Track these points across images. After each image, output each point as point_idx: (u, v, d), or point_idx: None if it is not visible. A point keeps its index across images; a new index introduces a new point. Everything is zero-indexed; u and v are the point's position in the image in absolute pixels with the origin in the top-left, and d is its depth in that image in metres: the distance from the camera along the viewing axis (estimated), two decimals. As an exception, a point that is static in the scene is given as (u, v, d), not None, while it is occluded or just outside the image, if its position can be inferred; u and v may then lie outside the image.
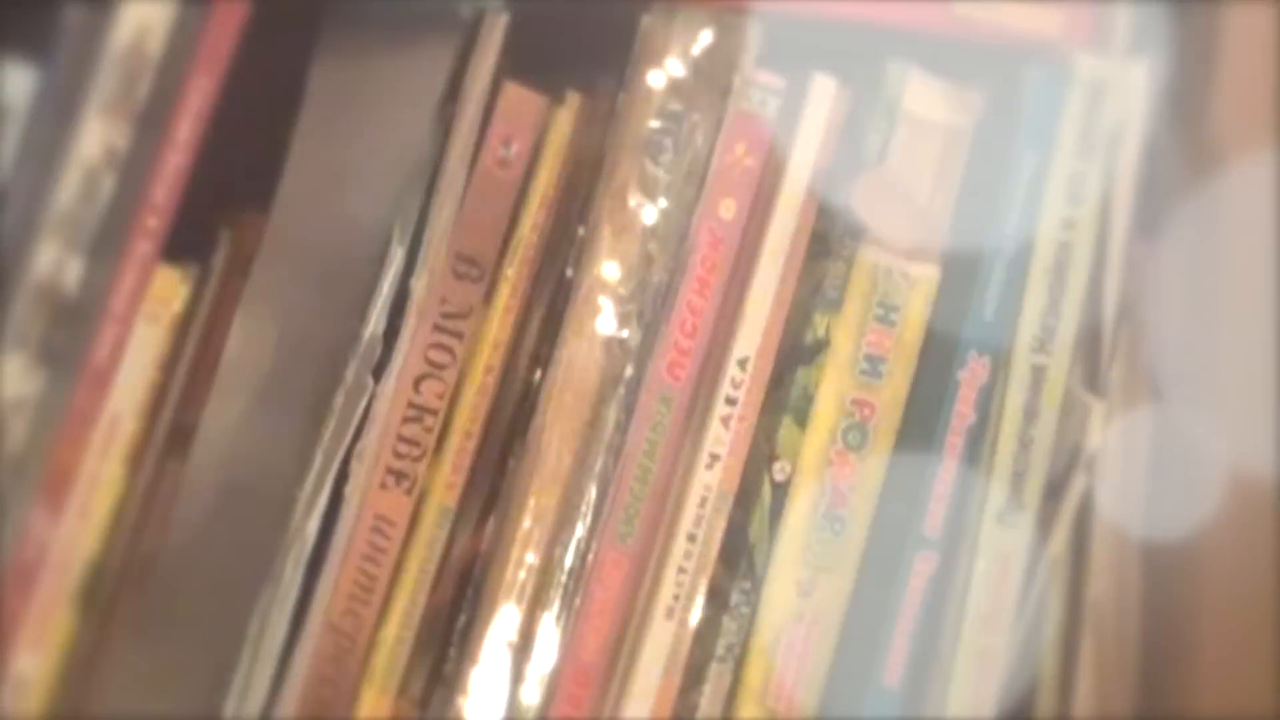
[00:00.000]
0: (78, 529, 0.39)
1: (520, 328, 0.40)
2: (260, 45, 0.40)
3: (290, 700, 0.39)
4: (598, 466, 0.39)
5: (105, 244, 0.38)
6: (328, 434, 0.39)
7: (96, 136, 0.38)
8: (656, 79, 0.39)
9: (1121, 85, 0.40)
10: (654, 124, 0.39)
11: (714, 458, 0.40)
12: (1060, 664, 0.42)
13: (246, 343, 0.39)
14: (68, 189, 0.38)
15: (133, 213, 0.39)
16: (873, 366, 0.40)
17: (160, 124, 0.38)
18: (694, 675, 0.40)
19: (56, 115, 0.38)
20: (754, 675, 0.40)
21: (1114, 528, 0.44)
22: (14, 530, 0.38)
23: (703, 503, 0.40)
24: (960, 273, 0.40)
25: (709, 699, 0.40)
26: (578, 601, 0.40)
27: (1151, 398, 0.41)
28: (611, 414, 0.39)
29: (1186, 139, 0.40)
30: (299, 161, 0.39)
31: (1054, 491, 0.41)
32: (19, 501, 0.38)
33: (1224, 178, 0.39)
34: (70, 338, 0.38)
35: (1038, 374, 0.40)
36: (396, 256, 0.39)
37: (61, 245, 0.38)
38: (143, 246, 0.39)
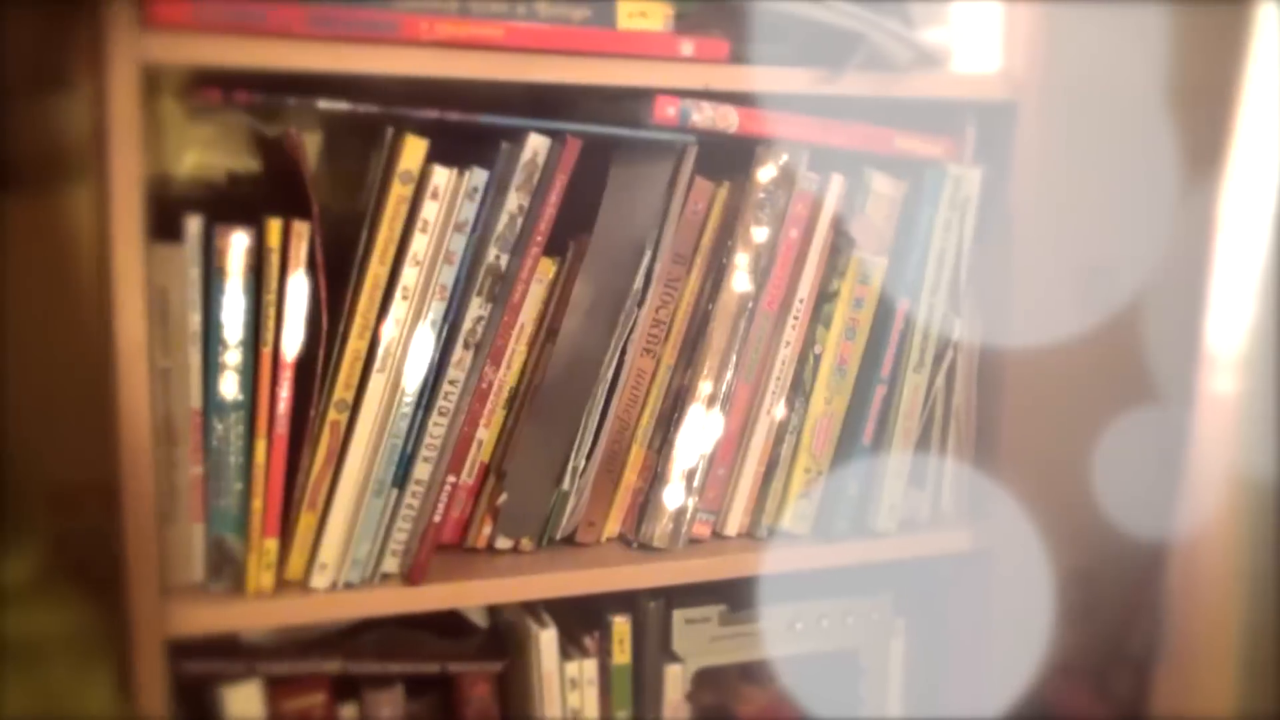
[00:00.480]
0: (506, 375, 0.84)
1: (702, 285, 0.87)
2: (586, 158, 0.85)
3: (600, 451, 0.86)
4: (736, 348, 0.86)
5: (518, 248, 0.83)
6: (617, 333, 0.85)
7: (514, 201, 0.82)
8: (761, 176, 0.85)
9: (969, 178, 0.87)
10: (760, 195, 0.85)
11: (787, 343, 0.87)
12: (940, 432, 0.90)
13: (582, 292, 0.85)
14: (504, 222, 0.83)
15: (530, 234, 0.83)
16: (858, 302, 0.87)
17: (543, 196, 0.83)
18: (779, 439, 0.88)
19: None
20: (805, 440, 0.88)
21: (966, 374, 0.91)
22: (472, 381, 0.83)
23: (782, 363, 0.87)
24: (898, 260, 0.87)
25: (786, 451, 0.88)
26: (728, 405, 0.87)
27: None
28: (741, 325, 0.86)
29: (995, 203, 0.88)
30: (603, 215, 0.85)
31: (938, 357, 0.88)
32: (477, 365, 0.83)
33: (1016, 225, 0.87)
34: (502, 290, 0.83)
35: (931, 307, 0.87)
36: (646, 256, 0.85)
37: (499, 247, 0.83)
38: (534, 250, 0.84)
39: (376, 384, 0.77)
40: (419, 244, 0.77)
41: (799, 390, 0.86)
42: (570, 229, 0.85)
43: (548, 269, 0.84)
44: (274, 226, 0.76)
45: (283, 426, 0.77)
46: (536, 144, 0.79)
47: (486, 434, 0.84)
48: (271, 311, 0.76)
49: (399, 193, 0.77)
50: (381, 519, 0.78)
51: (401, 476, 0.79)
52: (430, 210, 0.77)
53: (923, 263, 0.86)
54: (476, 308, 0.80)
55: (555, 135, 0.80)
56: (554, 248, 0.84)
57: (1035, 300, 0.88)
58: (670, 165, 0.84)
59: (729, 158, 0.86)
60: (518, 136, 0.79)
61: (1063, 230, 0.98)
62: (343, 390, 0.77)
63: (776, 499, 0.88)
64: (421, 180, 0.77)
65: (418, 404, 0.78)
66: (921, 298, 0.86)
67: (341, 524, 0.78)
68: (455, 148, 0.79)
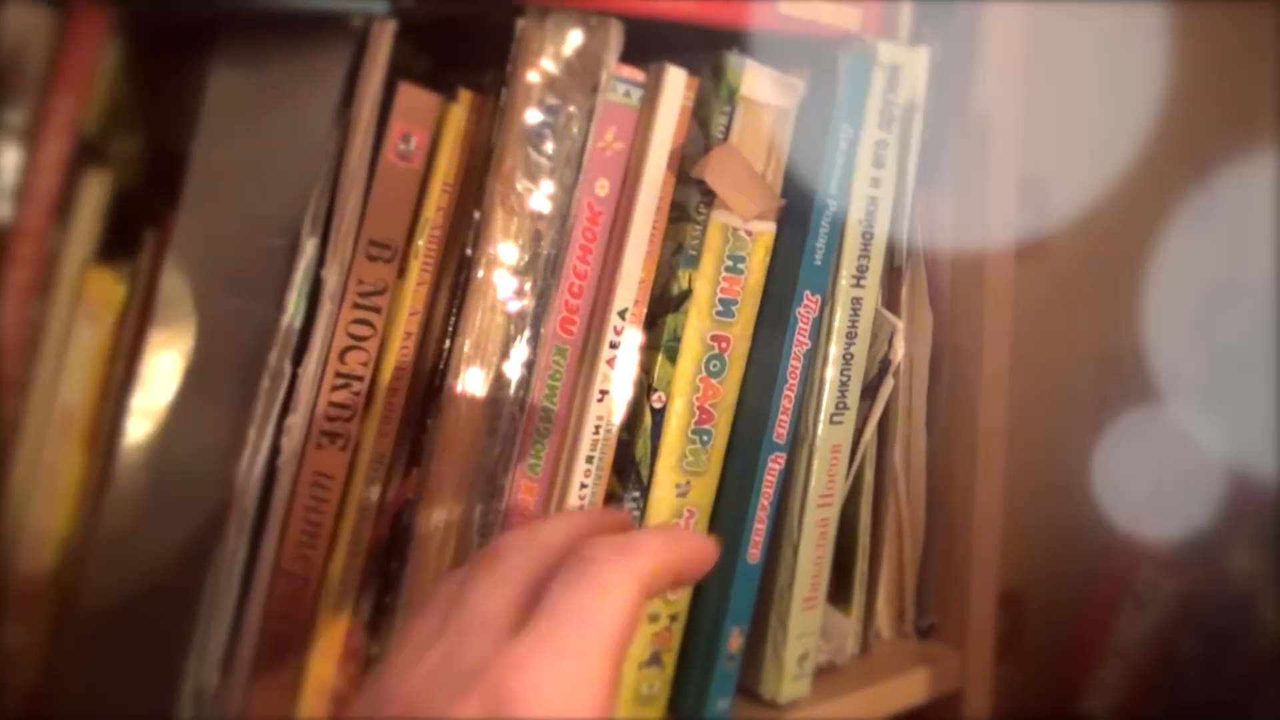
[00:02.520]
0: (46, 512, 0.40)
1: (432, 299, 0.43)
2: (163, 54, 0.40)
3: (249, 642, 0.42)
4: (505, 414, 0.43)
5: None
6: (257, 415, 0.40)
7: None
8: (534, 76, 0.42)
9: (911, 68, 0.45)
10: (535, 117, 0.42)
11: (603, 393, 0.45)
12: (873, 506, 0.50)
13: (168, 336, 0.40)
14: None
15: (11, 241, 0.37)
16: (726, 308, 0.43)
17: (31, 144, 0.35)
18: (598, 575, 0.46)
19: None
20: (646, 568, 0.46)
21: (908, 415, 0.52)
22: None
23: (596, 431, 0.45)
24: (793, 228, 0.44)
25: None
26: (499, 518, 0.45)
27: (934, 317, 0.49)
28: (510, 369, 0.43)
29: (952, 110, 0.47)
30: (202, 164, 0.39)
31: (869, 392, 0.48)
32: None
33: (984, 141, 0.46)
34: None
35: (855, 303, 0.45)
36: (308, 248, 0.41)
37: None
38: (21, 276, 0.38)
39: None
40: None
41: (629, 477, 0.45)
42: (148, 204, 0.40)
43: (107, 292, 0.39)
44: None
45: None
46: (-1, 24, 0.33)
47: (21, 633, 0.40)
48: None
49: None
50: None
51: None
52: None
53: (838, 226, 0.45)
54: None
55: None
56: (120, 246, 0.39)
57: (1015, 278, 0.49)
58: (338, 65, 0.40)
59: (464, 44, 0.43)
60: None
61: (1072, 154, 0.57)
62: None
63: (601, 670, 0.47)
64: None
65: None
66: (838, 290, 0.46)
67: None
68: None
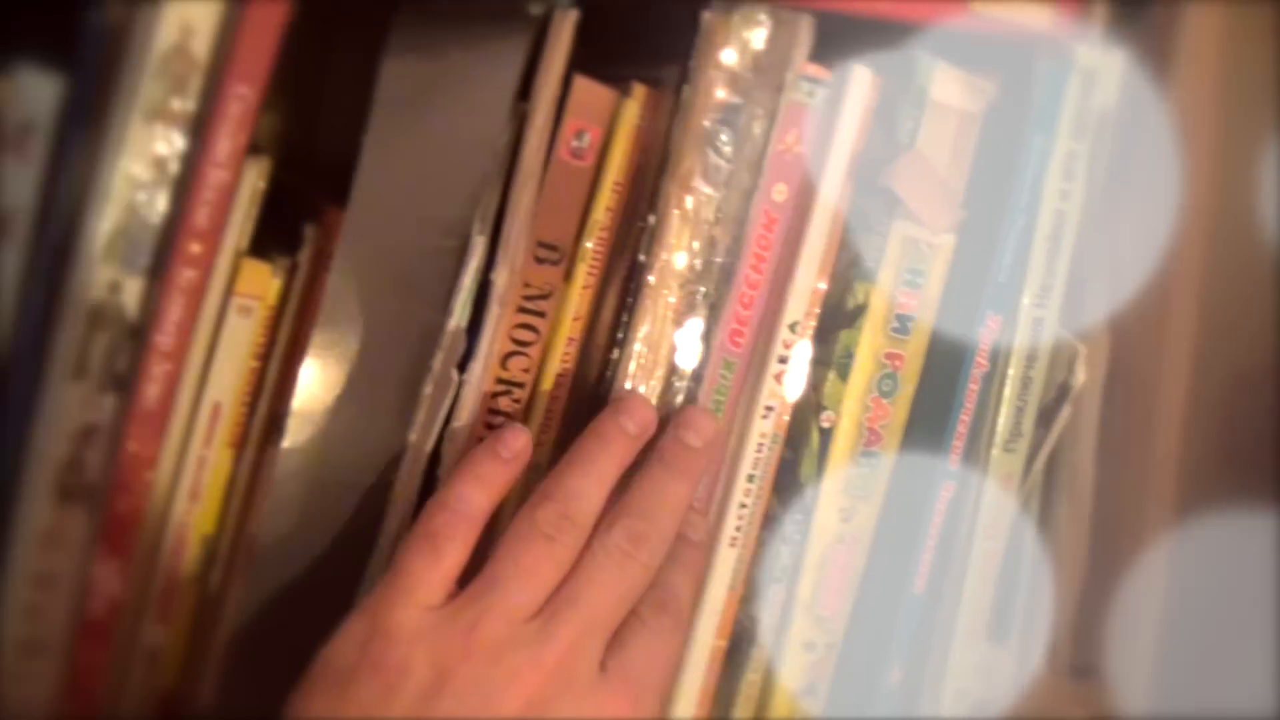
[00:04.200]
0: (190, 511, 0.37)
1: (598, 303, 0.40)
2: (335, 43, 0.38)
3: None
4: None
5: (158, 267, 0.34)
6: (418, 423, 0.37)
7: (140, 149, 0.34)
8: (717, 73, 0.39)
9: (1107, 72, 0.40)
10: (715, 116, 0.39)
11: (769, 409, 0.42)
12: (1042, 546, 0.46)
13: (331, 336, 0.38)
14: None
15: (178, 237, 0.34)
16: (902, 324, 0.39)
17: (209, 128, 0.33)
18: (754, 591, 0.41)
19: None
20: (805, 590, 0.43)
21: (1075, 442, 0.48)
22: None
23: (760, 448, 0.42)
24: (976, 243, 0.40)
25: (768, 611, 0.43)
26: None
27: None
28: (681, 384, 0.40)
29: (1144, 117, 0.43)
30: (372, 159, 0.37)
31: (1044, 419, 0.45)
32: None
33: (1178, 152, 0.43)
34: (131, 364, 0.34)
35: (1038, 325, 0.40)
36: (478, 249, 0.38)
37: (117, 268, 0.35)
38: (187, 274, 0.34)
39: None
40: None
41: (790, 498, 0.42)
42: (307, 199, 0.38)
43: (262, 284, 0.37)
44: None
45: None
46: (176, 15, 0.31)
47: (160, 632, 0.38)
48: None
49: None
50: None
51: None
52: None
53: (1025, 242, 0.42)
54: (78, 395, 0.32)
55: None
56: (276, 239, 0.37)
57: (1205, 297, 0.45)
58: (515, 55, 0.37)
59: (642, 35, 0.40)
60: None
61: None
62: None
63: (751, 699, 0.44)
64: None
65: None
66: (1020, 308, 0.42)
67: None
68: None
